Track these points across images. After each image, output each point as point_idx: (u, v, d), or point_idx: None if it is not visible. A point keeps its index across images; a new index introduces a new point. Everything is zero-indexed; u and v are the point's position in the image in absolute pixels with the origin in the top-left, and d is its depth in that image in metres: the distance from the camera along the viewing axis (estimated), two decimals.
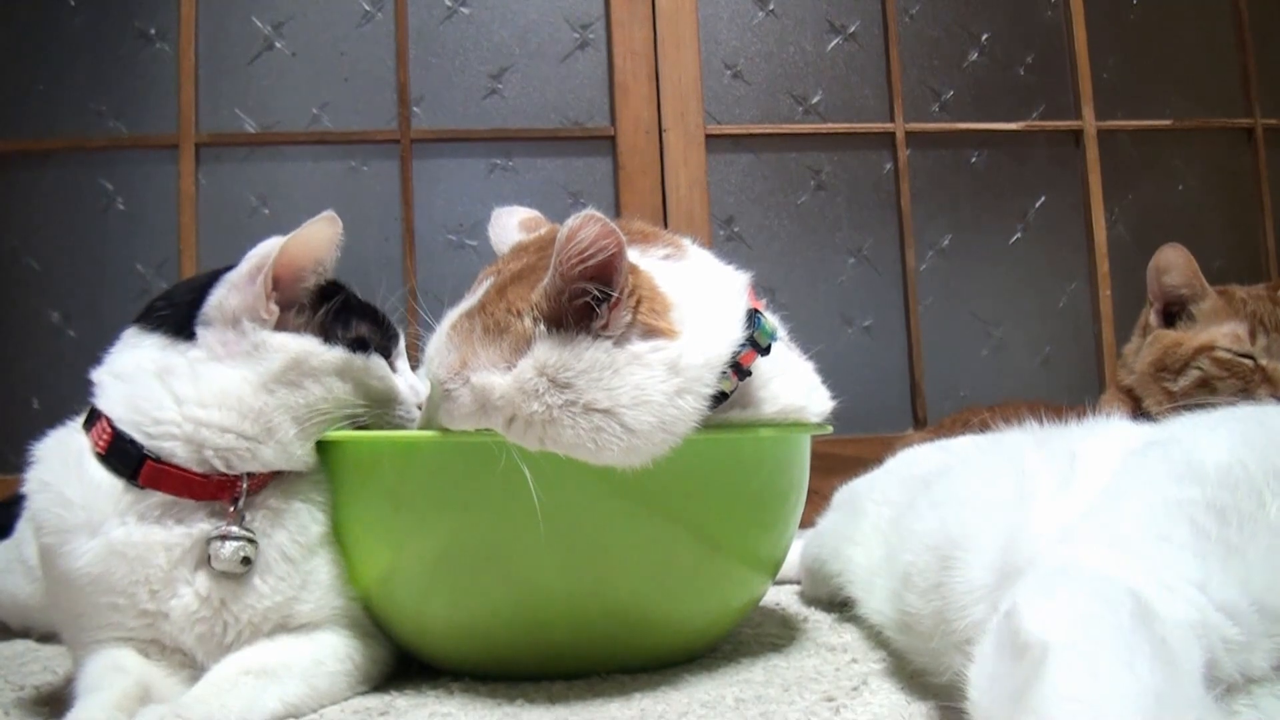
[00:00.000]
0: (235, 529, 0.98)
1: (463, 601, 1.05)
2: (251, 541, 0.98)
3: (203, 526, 0.98)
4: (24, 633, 1.43)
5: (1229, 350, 1.50)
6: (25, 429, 1.11)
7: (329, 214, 1.03)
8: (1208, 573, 0.66)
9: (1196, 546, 0.67)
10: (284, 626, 1.01)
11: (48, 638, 1.34)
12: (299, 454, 1.03)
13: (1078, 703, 0.54)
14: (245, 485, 1.00)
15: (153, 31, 2.41)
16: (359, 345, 1.06)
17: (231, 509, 0.99)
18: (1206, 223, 2.68)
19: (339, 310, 1.07)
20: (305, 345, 1.03)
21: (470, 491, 1.02)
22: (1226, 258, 2.61)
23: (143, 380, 0.99)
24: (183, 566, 0.97)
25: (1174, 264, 1.57)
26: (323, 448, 1.07)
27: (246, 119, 2.41)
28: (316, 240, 1.03)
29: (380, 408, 1.08)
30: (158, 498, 0.97)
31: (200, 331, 1.01)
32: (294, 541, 1.02)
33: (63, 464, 1.00)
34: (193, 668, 0.99)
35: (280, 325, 1.02)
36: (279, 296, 1.02)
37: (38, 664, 1.25)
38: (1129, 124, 2.65)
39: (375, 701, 1.01)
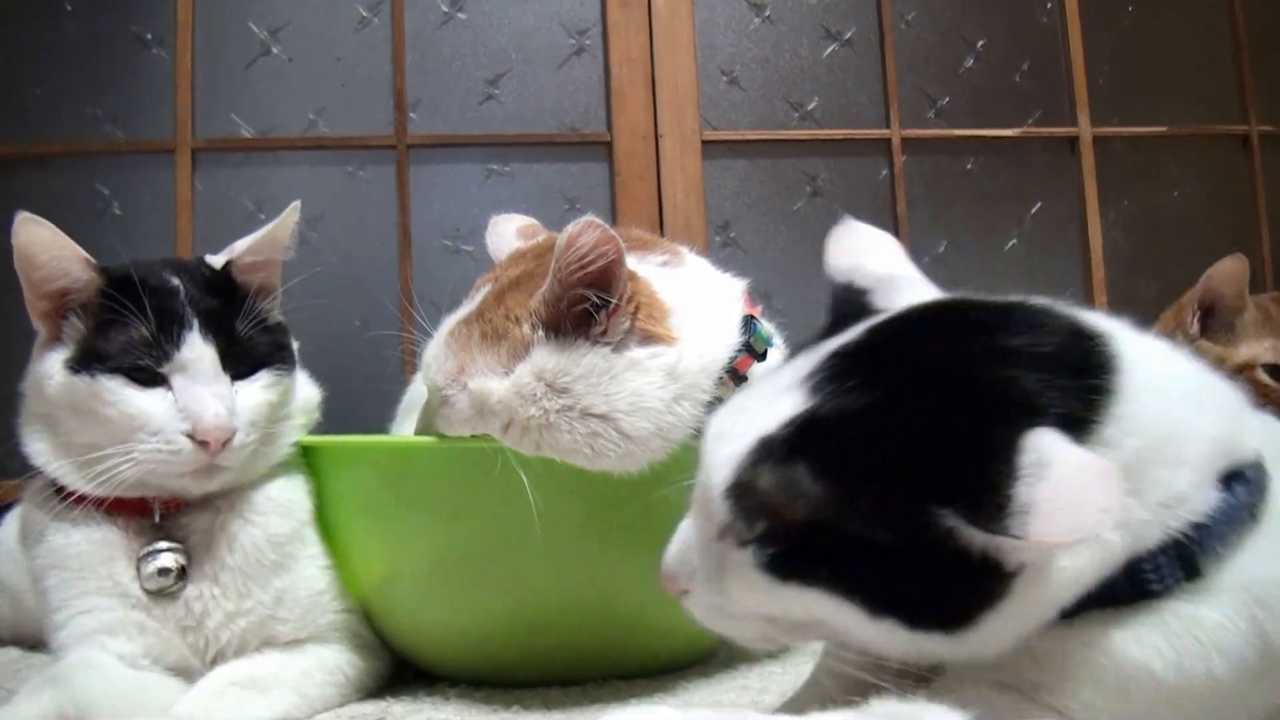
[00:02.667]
0: (163, 544, 0.96)
1: (459, 607, 1.05)
2: (177, 551, 0.96)
3: (132, 544, 0.96)
4: (15, 640, 1.42)
5: (1271, 365, 1.48)
6: None
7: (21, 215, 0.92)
8: None
9: None
10: (270, 644, 1.00)
11: (37, 646, 1.33)
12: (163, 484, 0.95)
13: None
14: (158, 499, 0.97)
15: (149, 36, 2.40)
16: (96, 360, 0.91)
17: (152, 523, 0.97)
18: (1202, 229, 2.68)
19: (105, 314, 0.93)
20: (43, 366, 0.93)
21: (467, 497, 1.01)
22: None
23: None
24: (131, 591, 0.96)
25: (1236, 275, 1.53)
26: (318, 451, 1.06)
27: (243, 124, 2.41)
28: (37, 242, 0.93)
29: (130, 441, 0.90)
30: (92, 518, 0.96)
31: None
32: (232, 549, 0.98)
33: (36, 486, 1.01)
34: (183, 677, 0.98)
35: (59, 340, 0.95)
36: (47, 305, 0.95)
37: (31, 670, 1.24)
38: (1125, 130, 2.66)
39: (371, 708, 1.01)
